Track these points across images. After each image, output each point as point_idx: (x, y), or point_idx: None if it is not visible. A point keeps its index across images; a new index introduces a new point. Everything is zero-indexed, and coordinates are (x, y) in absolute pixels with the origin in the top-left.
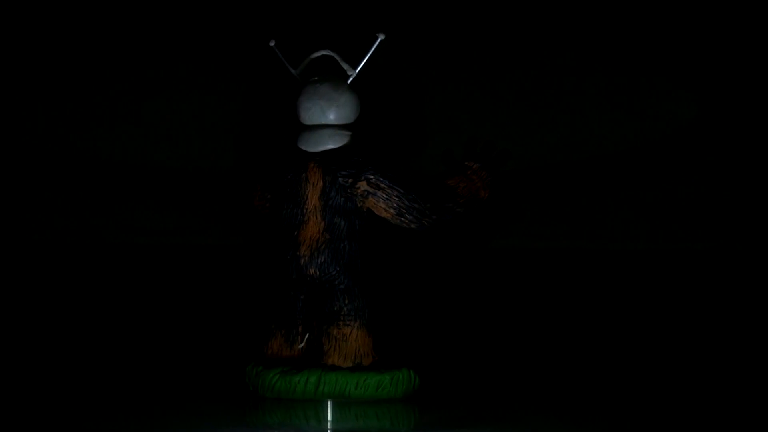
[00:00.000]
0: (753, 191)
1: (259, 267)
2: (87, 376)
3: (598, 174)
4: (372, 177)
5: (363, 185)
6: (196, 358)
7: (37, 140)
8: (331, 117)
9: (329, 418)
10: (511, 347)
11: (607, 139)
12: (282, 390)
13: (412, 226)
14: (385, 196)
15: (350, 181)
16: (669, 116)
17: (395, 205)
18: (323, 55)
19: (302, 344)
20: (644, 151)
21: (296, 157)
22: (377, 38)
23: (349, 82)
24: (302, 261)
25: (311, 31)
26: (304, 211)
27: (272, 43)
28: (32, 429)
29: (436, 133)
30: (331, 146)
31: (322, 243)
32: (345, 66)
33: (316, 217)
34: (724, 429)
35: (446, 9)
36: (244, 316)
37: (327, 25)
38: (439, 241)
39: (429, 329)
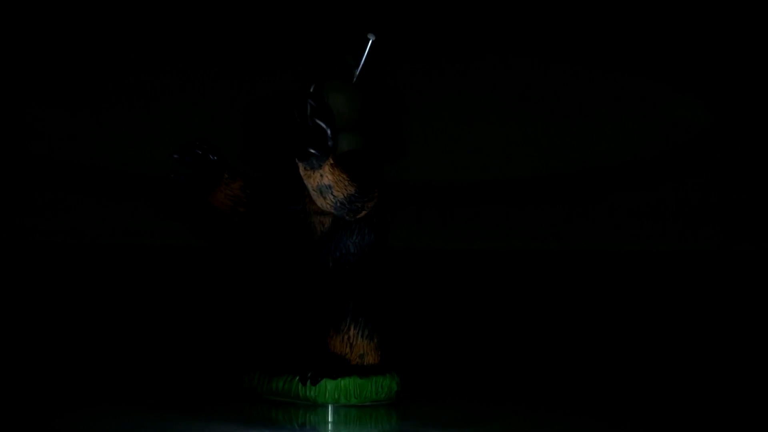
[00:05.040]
0: (755, 193)
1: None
2: (87, 377)
3: (600, 177)
4: None
5: None
6: (196, 360)
7: (36, 144)
8: None
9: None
10: (511, 347)
11: (609, 144)
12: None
13: None
14: None
15: None
16: (676, 123)
17: None
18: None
19: None
20: (646, 155)
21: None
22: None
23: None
24: None
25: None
26: None
27: (372, 37)
28: (31, 430)
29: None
30: None
31: None
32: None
33: None
34: (724, 429)
35: (450, 11)
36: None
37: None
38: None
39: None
